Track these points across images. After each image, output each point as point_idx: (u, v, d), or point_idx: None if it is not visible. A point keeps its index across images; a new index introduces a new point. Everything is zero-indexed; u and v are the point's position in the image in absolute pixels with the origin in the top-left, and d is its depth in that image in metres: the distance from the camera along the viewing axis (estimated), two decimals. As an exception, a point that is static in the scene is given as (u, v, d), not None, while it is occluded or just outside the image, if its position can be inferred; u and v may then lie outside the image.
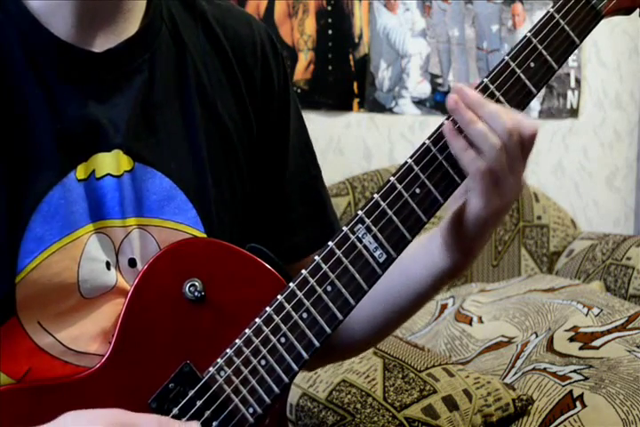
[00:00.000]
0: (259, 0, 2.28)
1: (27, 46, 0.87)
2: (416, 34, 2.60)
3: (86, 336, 0.87)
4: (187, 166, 0.92)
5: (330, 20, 2.41)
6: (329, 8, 2.41)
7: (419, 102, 2.62)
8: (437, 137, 0.85)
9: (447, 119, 0.84)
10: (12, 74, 0.86)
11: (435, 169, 0.84)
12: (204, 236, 0.93)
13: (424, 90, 2.63)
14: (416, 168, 0.84)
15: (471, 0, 2.71)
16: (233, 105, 0.97)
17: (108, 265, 0.88)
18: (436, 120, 2.69)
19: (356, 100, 2.49)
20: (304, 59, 2.37)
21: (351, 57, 2.46)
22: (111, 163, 0.88)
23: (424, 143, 0.85)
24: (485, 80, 0.84)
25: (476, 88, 0.84)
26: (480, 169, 0.81)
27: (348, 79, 2.47)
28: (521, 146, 0.82)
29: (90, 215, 0.87)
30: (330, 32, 2.42)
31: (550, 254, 2.58)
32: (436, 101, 2.65)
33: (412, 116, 2.62)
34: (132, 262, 0.90)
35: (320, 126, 2.42)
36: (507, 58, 0.85)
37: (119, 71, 0.90)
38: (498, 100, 0.84)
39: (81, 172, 0.87)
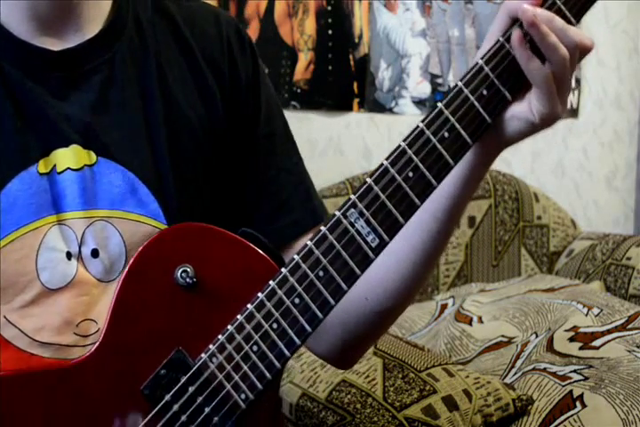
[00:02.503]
0: (259, 0, 2.28)
1: None
2: (416, 34, 2.60)
3: (50, 327, 0.89)
4: (147, 160, 0.95)
5: (330, 20, 2.41)
6: (329, 8, 2.41)
7: (419, 102, 2.62)
8: (430, 120, 0.84)
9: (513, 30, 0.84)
10: None
11: (428, 152, 0.84)
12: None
13: (424, 90, 2.63)
14: (409, 151, 0.84)
15: (471, 0, 2.71)
16: (197, 98, 0.99)
17: (69, 256, 0.91)
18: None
19: (355, 100, 2.49)
20: (304, 59, 2.37)
21: (351, 57, 2.46)
22: (70, 157, 0.91)
23: (417, 126, 0.85)
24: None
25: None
26: (547, 76, 0.83)
27: (348, 79, 2.47)
28: (579, 57, 0.85)
29: (52, 207, 0.90)
30: (330, 32, 2.42)
31: (550, 254, 2.58)
32: (436, 101, 2.65)
33: (412, 116, 2.61)
34: (95, 253, 0.92)
35: (320, 126, 2.42)
36: (502, 39, 0.86)
37: (77, 70, 0.93)
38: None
39: (42, 166, 0.90)
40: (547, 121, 0.86)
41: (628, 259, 2.40)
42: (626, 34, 3.09)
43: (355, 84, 2.48)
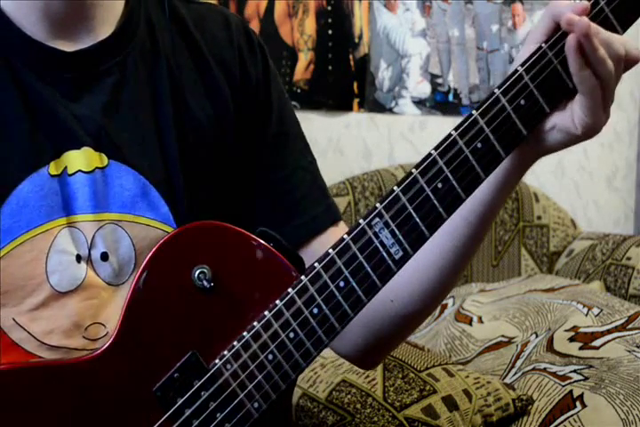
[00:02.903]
0: (259, 0, 2.28)
1: (0, 45, 0.90)
2: (416, 34, 2.60)
3: (59, 330, 0.89)
4: (158, 164, 0.94)
5: (330, 20, 2.41)
6: (329, 8, 2.41)
7: (419, 102, 2.62)
8: (464, 129, 0.81)
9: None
10: None
11: (460, 163, 0.80)
12: None
13: (424, 90, 2.63)
14: (440, 161, 0.81)
15: (471, 0, 2.71)
16: (208, 103, 0.99)
17: (78, 258, 0.90)
18: (436, 120, 2.69)
19: (355, 100, 2.49)
20: (304, 59, 2.37)
21: (351, 57, 2.46)
22: (82, 160, 0.90)
23: (450, 134, 0.81)
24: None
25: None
26: (595, 86, 0.80)
27: (348, 79, 2.47)
28: (624, 66, 0.83)
29: (63, 209, 0.90)
30: (330, 32, 2.42)
31: (550, 254, 2.58)
32: (436, 101, 2.65)
33: (412, 116, 2.61)
34: (105, 256, 0.91)
35: (320, 126, 2.42)
36: (544, 45, 0.81)
37: (90, 72, 0.93)
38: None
39: (53, 168, 0.90)
40: (588, 132, 0.82)
41: (628, 259, 2.40)
42: (626, 34, 3.09)
43: (355, 84, 2.48)
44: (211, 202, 0.97)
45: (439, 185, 0.80)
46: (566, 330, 1.83)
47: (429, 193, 0.81)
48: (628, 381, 1.60)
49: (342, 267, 0.82)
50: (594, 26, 0.78)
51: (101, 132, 0.92)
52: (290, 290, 0.84)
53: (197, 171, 0.96)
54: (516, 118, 0.80)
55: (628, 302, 2.00)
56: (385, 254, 0.81)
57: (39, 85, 0.90)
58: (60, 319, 0.89)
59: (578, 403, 1.56)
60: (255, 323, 0.85)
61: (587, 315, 1.87)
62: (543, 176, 2.92)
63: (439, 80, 2.67)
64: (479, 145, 0.80)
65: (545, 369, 1.69)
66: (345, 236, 0.83)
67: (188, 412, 0.86)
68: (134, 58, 0.96)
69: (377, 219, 0.81)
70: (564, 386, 1.61)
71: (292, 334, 0.84)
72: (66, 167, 0.90)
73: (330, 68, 2.42)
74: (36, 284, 0.88)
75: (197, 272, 0.86)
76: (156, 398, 0.85)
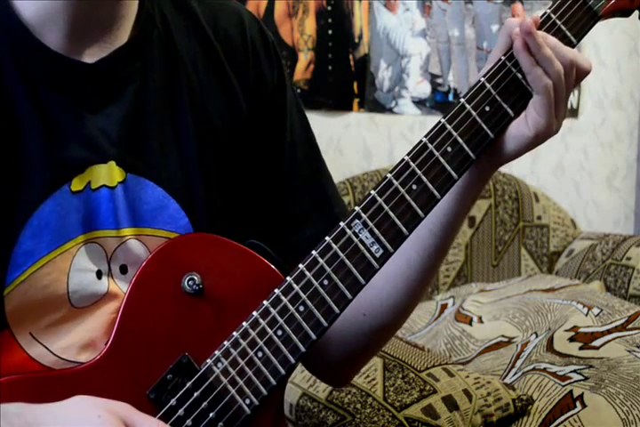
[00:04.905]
0: (259, 0, 2.28)
1: (17, 57, 0.86)
2: (416, 34, 2.60)
3: (76, 346, 0.88)
4: (177, 174, 0.93)
5: (330, 20, 2.41)
6: (329, 8, 2.41)
7: (419, 102, 2.62)
8: (434, 135, 0.87)
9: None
10: (3, 86, 0.85)
11: (431, 165, 0.86)
12: None
13: (424, 90, 2.63)
14: (413, 164, 0.86)
15: (471, 0, 2.71)
16: (224, 106, 0.97)
17: (99, 274, 0.89)
18: (435, 120, 2.68)
19: (355, 100, 2.49)
20: (304, 59, 2.37)
21: (351, 57, 2.46)
22: (107, 174, 0.88)
23: (421, 141, 0.87)
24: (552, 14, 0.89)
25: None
26: (547, 84, 0.86)
27: (348, 79, 2.47)
28: (575, 76, 0.88)
29: (82, 226, 0.88)
30: (330, 32, 2.42)
31: (550, 254, 2.58)
32: (436, 101, 2.65)
33: (412, 116, 2.61)
34: (124, 269, 0.91)
35: (320, 126, 2.41)
36: (503, 58, 0.89)
37: (111, 81, 0.90)
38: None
39: (76, 184, 0.87)
40: (540, 134, 0.88)
41: (628, 259, 2.40)
42: (626, 34, 3.09)
43: (355, 84, 2.48)
44: (229, 211, 0.96)
45: (413, 186, 0.86)
46: (566, 330, 1.83)
47: (404, 193, 0.86)
48: (628, 381, 1.60)
49: (325, 265, 0.86)
50: (541, 32, 0.85)
51: (124, 144, 0.89)
52: (276, 290, 0.87)
53: (216, 180, 0.95)
54: (481, 123, 0.87)
55: (628, 302, 2.00)
56: (366, 252, 0.85)
57: (59, 99, 0.86)
58: (79, 334, 0.88)
59: (578, 403, 1.56)
60: (244, 322, 0.87)
61: (587, 315, 1.88)
62: (543, 176, 2.92)
63: (439, 80, 2.67)
64: (449, 148, 0.87)
65: (545, 369, 1.69)
66: (326, 237, 0.86)
67: (180, 411, 0.86)
68: (153, 61, 0.92)
69: (356, 220, 0.86)
70: (564, 386, 1.61)
71: (279, 332, 0.86)
72: (89, 182, 0.88)
73: (330, 68, 2.42)
74: (56, 304, 0.87)
75: (187, 279, 0.88)
76: (150, 401, 0.86)
